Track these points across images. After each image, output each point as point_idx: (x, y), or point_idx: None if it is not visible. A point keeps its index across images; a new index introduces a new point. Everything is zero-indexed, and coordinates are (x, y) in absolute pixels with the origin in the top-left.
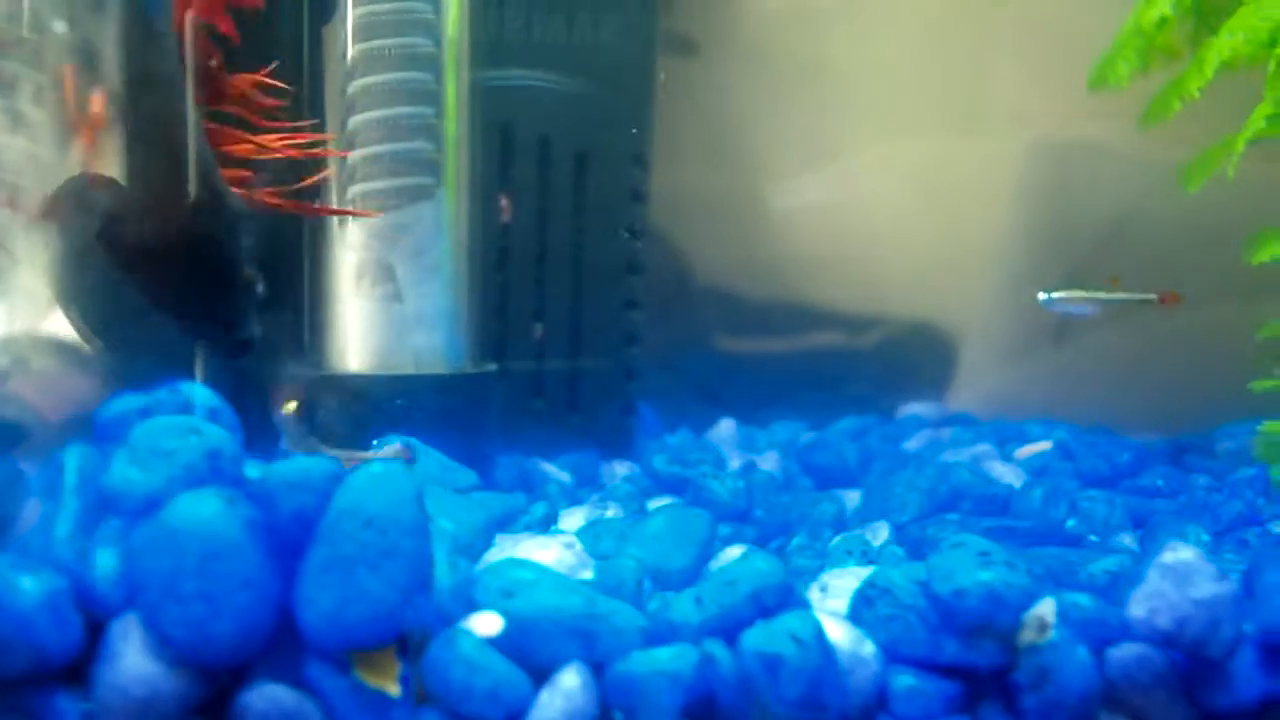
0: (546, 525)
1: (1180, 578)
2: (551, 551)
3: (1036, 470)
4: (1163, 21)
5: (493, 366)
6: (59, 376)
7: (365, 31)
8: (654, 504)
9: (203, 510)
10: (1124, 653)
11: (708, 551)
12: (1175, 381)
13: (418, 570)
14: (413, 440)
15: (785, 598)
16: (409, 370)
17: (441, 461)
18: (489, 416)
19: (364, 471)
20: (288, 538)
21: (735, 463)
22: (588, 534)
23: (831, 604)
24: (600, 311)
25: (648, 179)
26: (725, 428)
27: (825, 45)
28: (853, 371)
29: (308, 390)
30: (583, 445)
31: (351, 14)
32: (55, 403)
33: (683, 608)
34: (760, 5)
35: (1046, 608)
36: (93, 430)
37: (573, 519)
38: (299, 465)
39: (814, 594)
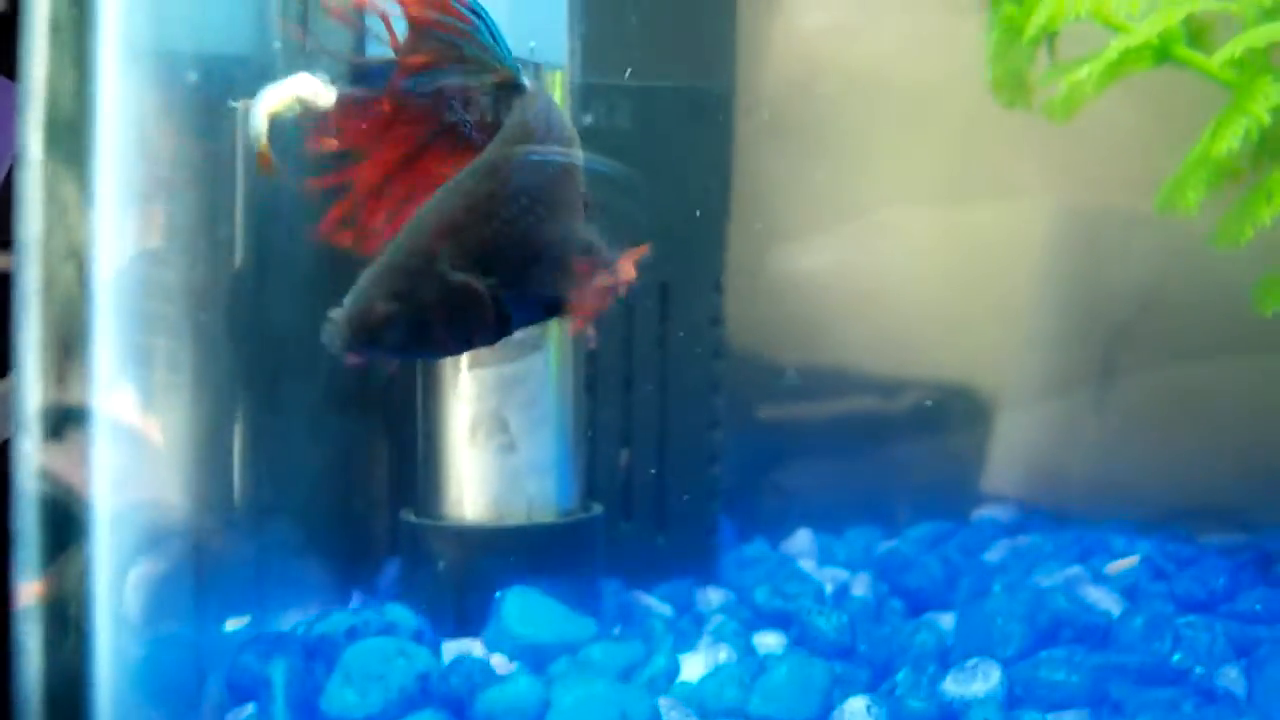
0: (670, 680)
1: None
2: None
3: (1130, 591)
4: (1231, 153)
5: (599, 508)
6: None
7: None
8: (760, 639)
9: None
10: None
11: (829, 701)
12: (1231, 453)
13: None
14: (530, 590)
15: None
16: (523, 520)
17: (563, 614)
18: (596, 556)
19: (572, 694)
20: None
21: (828, 586)
22: (712, 683)
23: None
24: (684, 433)
25: (725, 303)
26: (802, 539)
27: (844, 115)
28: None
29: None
30: (670, 567)
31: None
32: None
33: None
34: (785, 78)
35: None
36: (300, 645)
37: (692, 667)
38: (512, 690)
39: None
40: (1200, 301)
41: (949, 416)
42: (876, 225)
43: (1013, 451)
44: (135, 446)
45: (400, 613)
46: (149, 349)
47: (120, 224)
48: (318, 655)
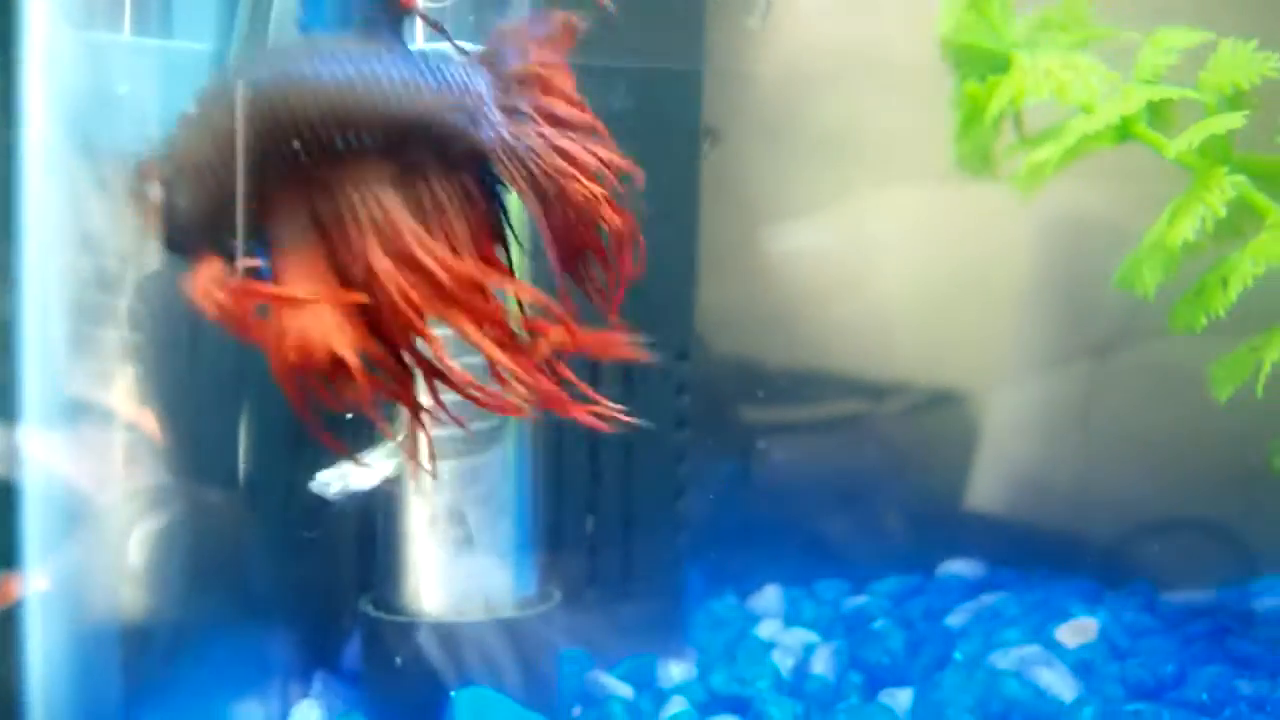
0: None
1: None
2: None
3: (1082, 669)
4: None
5: (557, 595)
6: None
7: None
8: None
9: None
10: None
11: None
12: (1217, 464)
13: None
14: (483, 689)
15: None
16: (480, 615)
17: (513, 710)
18: (554, 643)
19: None
20: None
21: (788, 662)
22: None
23: None
24: (649, 501)
25: (690, 372)
26: (770, 596)
27: (832, 109)
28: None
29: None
30: (634, 637)
31: None
32: None
33: None
34: (771, 80)
35: None
36: None
37: None
38: None
39: None
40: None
41: (930, 435)
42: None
43: (997, 466)
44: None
45: None
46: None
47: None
48: None
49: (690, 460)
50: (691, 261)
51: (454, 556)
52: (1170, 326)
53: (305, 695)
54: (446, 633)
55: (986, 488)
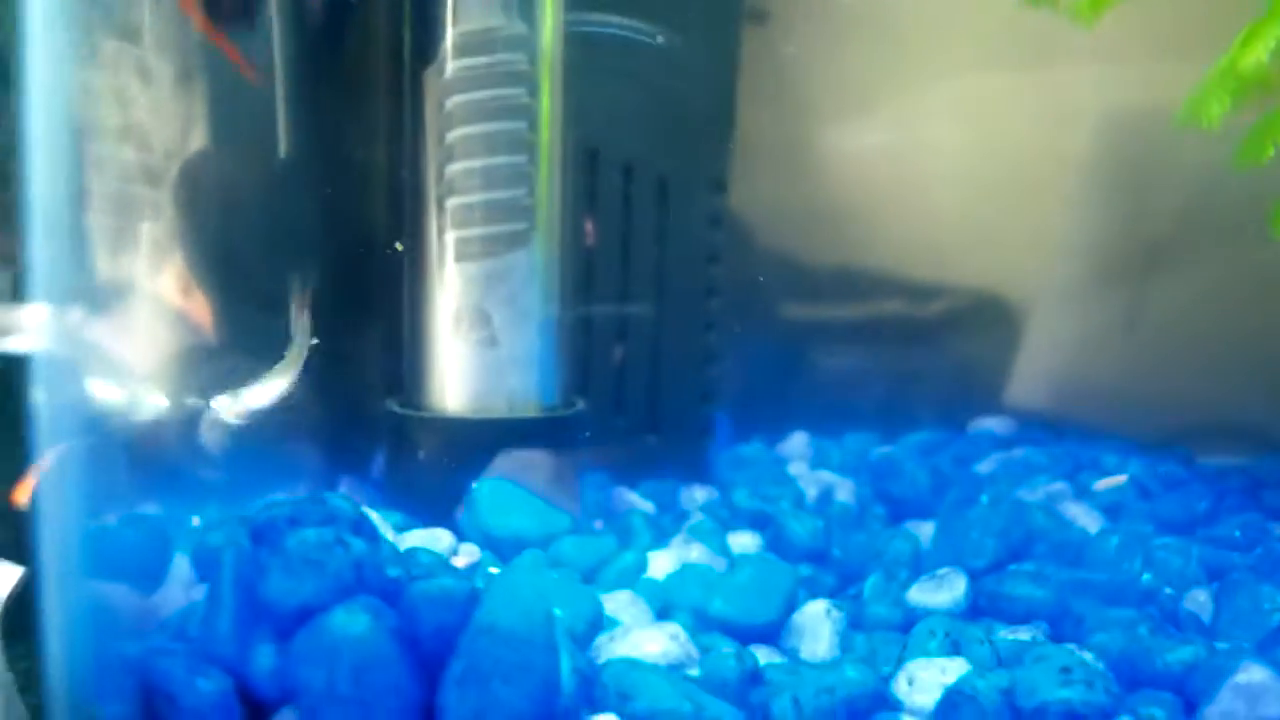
0: (637, 575)
1: (1252, 697)
2: (658, 644)
3: (1112, 510)
4: (1259, 65)
5: (581, 404)
6: None
7: (463, 83)
8: (735, 539)
9: (356, 625)
10: None
11: (791, 603)
12: (1260, 369)
13: (548, 680)
14: (503, 482)
15: (876, 704)
16: (503, 414)
17: (535, 505)
18: (577, 454)
19: (500, 589)
20: (430, 650)
21: (811, 491)
22: (676, 581)
23: (919, 698)
24: (679, 334)
25: (726, 203)
26: (798, 441)
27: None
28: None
29: (407, 431)
30: (660, 466)
31: (450, 66)
32: None
33: (782, 706)
34: None
35: None
36: (245, 530)
37: (660, 563)
38: (440, 585)
39: (901, 686)
40: (1242, 222)
41: (974, 324)
42: (911, 126)
43: (1035, 364)
44: (120, 331)
45: (344, 504)
46: (124, 232)
47: None
48: (263, 541)
49: (720, 330)
50: (726, 136)
51: (478, 355)
52: (1236, 163)
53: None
54: (468, 430)
55: (1024, 384)
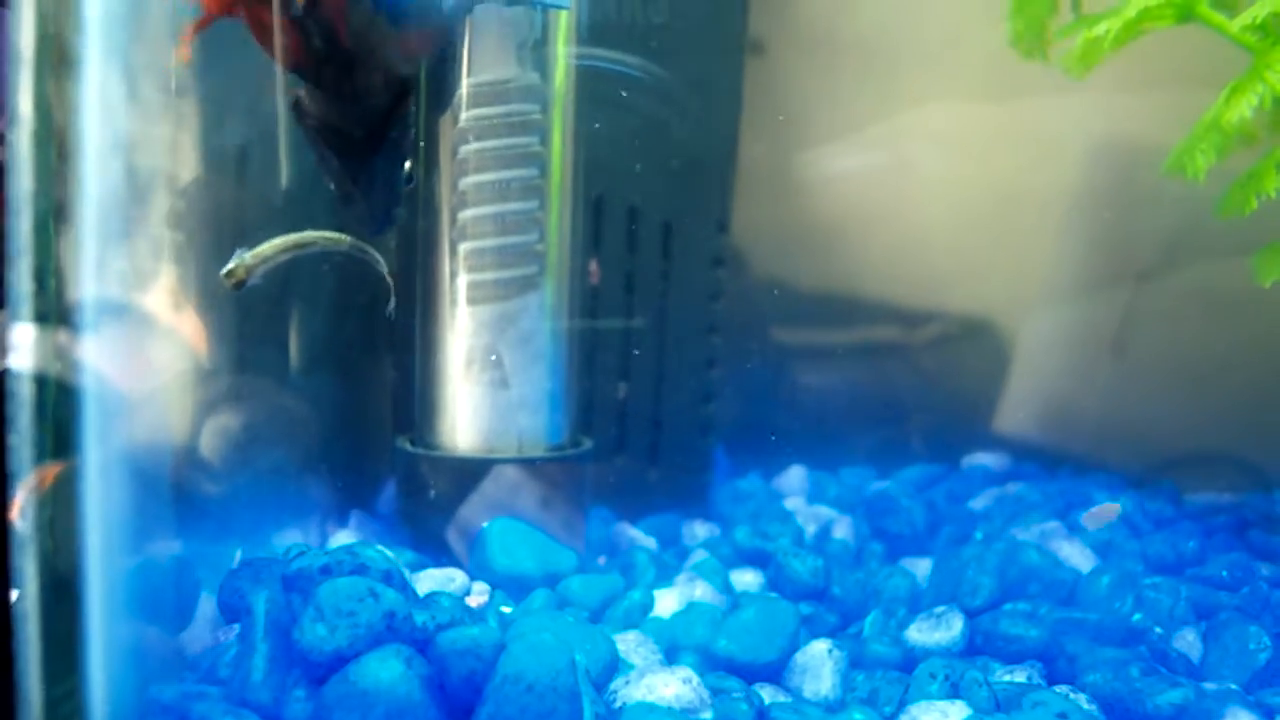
0: (644, 614)
1: None
2: (672, 688)
3: (1103, 548)
4: (1242, 121)
5: (589, 443)
6: None
7: (477, 132)
8: (737, 576)
9: (387, 672)
10: None
11: (794, 643)
12: (1246, 398)
13: None
14: (514, 521)
15: None
16: (513, 453)
17: (544, 544)
18: (584, 490)
19: (524, 638)
20: (459, 697)
21: (810, 527)
22: (682, 621)
23: None
24: (681, 371)
25: (728, 243)
26: (795, 476)
27: (876, 24)
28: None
29: (419, 470)
30: (661, 501)
31: (464, 115)
32: None
33: None
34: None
35: None
36: (279, 578)
37: (666, 602)
38: (468, 634)
39: None
40: (1230, 249)
41: (967, 354)
42: (901, 155)
43: (1025, 392)
44: (139, 369)
45: (375, 555)
46: (151, 276)
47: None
48: (294, 588)
49: (720, 367)
50: (729, 177)
51: (489, 396)
52: (1220, 212)
53: (342, 528)
54: (479, 469)
55: (1014, 413)
